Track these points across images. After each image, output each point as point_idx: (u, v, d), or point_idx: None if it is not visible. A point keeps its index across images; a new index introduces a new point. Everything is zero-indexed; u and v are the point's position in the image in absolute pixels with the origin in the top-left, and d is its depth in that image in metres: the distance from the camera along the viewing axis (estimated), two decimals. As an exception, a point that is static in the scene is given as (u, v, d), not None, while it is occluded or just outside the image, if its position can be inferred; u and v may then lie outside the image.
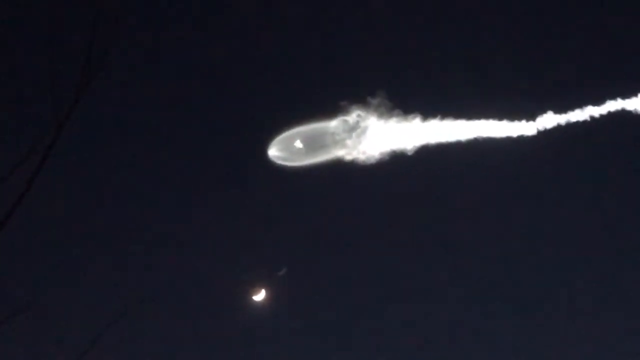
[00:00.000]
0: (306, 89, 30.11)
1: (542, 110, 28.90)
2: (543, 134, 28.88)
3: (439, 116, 29.04)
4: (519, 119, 29.08)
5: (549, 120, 28.93)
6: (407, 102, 28.97)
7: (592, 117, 28.85)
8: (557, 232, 29.75)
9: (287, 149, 29.14)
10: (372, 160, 28.96)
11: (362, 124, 29.07)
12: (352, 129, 29.08)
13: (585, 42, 29.79)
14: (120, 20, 11.30)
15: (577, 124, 28.81)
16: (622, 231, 29.41)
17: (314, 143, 29.21)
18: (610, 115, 28.65)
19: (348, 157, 29.05)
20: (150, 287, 28.13)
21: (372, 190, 29.36)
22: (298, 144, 29.04)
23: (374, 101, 28.77)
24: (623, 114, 28.62)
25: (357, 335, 29.95)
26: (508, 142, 29.02)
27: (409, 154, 28.96)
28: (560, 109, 28.98)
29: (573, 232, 29.64)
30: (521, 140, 28.98)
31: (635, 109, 28.62)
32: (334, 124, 29.12)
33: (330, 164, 29.25)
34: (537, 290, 29.83)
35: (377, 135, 29.07)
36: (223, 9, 30.61)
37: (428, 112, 29.04)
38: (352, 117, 28.97)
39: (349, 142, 29.06)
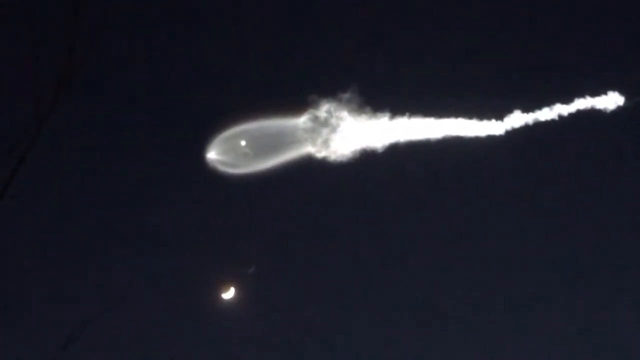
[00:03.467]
0: (267, 82, 29.57)
1: (510, 110, 28.88)
2: (511, 134, 28.88)
3: (407, 114, 28.95)
4: (488, 118, 29.05)
5: (517, 119, 28.91)
6: (376, 99, 28.85)
7: (560, 116, 28.88)
8: (526, 231, 29.82)
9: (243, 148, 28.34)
10: (343, 159, 28.78)
11: (333, 121, 28.83)
12: (322, 125, 28.82)
13: (553, 40, 29.87)
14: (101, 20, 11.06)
15: (546, 123, 28.85)
16: (592, 229, 29.53)
17: (278, 140, 28.76)
18: (580, 113, 28.73)
19: (318, 155, 28.83)
20: (119, 288, 27.77)
21: (343, 189, 29.20)
22: (243, 145, 28.20)
23: (345, 96, 28.54)
24: (592, 112, 28.70)
25: (326, 332, 29.87)
26: (476, 141, 29.01)
27: (379, 152, 28.84)
28: (528, 108, 28.97)
29: (542, 231, 29.77)
30: (489, 140, 28.98)
31: (605, 107, 28.69)
32: (302, 119, 28.81)
33: (296, 162, 28.99)
34: (504, 287, 29.87)
35: (347, 133, 28.87)
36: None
37: (396, 110, 28.93)
38: (322, 112, 28.70)
39: (319, 139, 28.82)
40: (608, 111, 28.55)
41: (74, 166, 29.25)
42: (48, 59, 11.19)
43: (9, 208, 10.88)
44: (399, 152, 28.90)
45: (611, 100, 28.59)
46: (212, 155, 28.35)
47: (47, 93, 10.86)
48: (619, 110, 28.49)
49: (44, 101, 10.80)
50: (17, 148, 10.62)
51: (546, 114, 28.80)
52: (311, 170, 29.03)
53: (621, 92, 28.56)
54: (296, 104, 28.81)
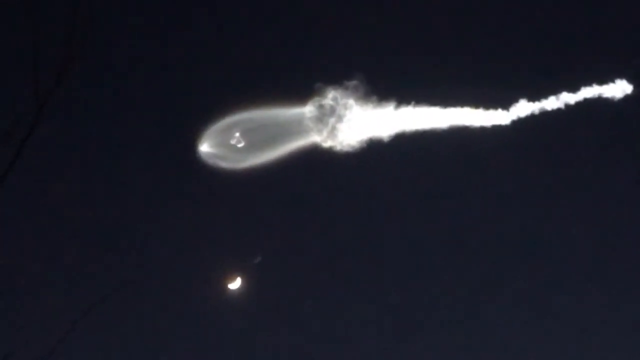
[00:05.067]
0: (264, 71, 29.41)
1: (516, 99, 28.68)
2: (517, 123, 28.70)
3: (412, 103, 28.80)
4: (494, 107, 28.88)
5: (523, 108, 28.71)
6: (382, 88, 28.72)
7: (567, 105, 28.67)
8: (532, 221, 29.74)
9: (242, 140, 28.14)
10: (350, 149, 28.63)
11: (339, 109, 28.64)
12: (328, 113, 28.67)
13: (559, 28, 29.68)
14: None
15: (552, 113, 28.64)
16: (598, 219, 29.43)
17: (284, 129, 28.57)
18: (587, 102, 28.50)
19: (324, 145, 28.68)
20: (124, 277, 27.70)
21: (349, 179, 29.12)
22: (238, 139, 27.96)
23: (351, 84, 28.34)
24: (599, 101, 28.46)
25: (332, 324, 29.84)
26: (482, 131, 28.86)
27: (385, 141, 28.70)
28: (534, 97, 28.76)
29: (549, 222, 29.66)
30: (495, 129, 28.82)
31: (613, 95, 28.46)
32: (308, 108, 28.64)
33: (302, 152, 28.87)
34: (510, 278, 29.81)
35: (354, 122, 28.71)
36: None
37: (402, 99, 28.79)
38: (328, 100, 28.51)
39: (325, 129, 28.66)
40: (615, 99, 28.34)
41: (71, 158, 29.20)
42: (49, 46, 11.11)
43: (7, 196, 10.82)
44: (404, 142, 28.79)
45: (619, 89, 28.35)
46: (206, 148, 28.28)
47: (47, 80, 10.79)
48: (626, 98, 28.31)
49: (44, 88, 10.73)
50: (17, 135, 10.55)
51: (552, 103, 28.59)
52: (317, 160, 28.95)
53: (629, 80, 28.33)
54: (302, 92, 28.68)
